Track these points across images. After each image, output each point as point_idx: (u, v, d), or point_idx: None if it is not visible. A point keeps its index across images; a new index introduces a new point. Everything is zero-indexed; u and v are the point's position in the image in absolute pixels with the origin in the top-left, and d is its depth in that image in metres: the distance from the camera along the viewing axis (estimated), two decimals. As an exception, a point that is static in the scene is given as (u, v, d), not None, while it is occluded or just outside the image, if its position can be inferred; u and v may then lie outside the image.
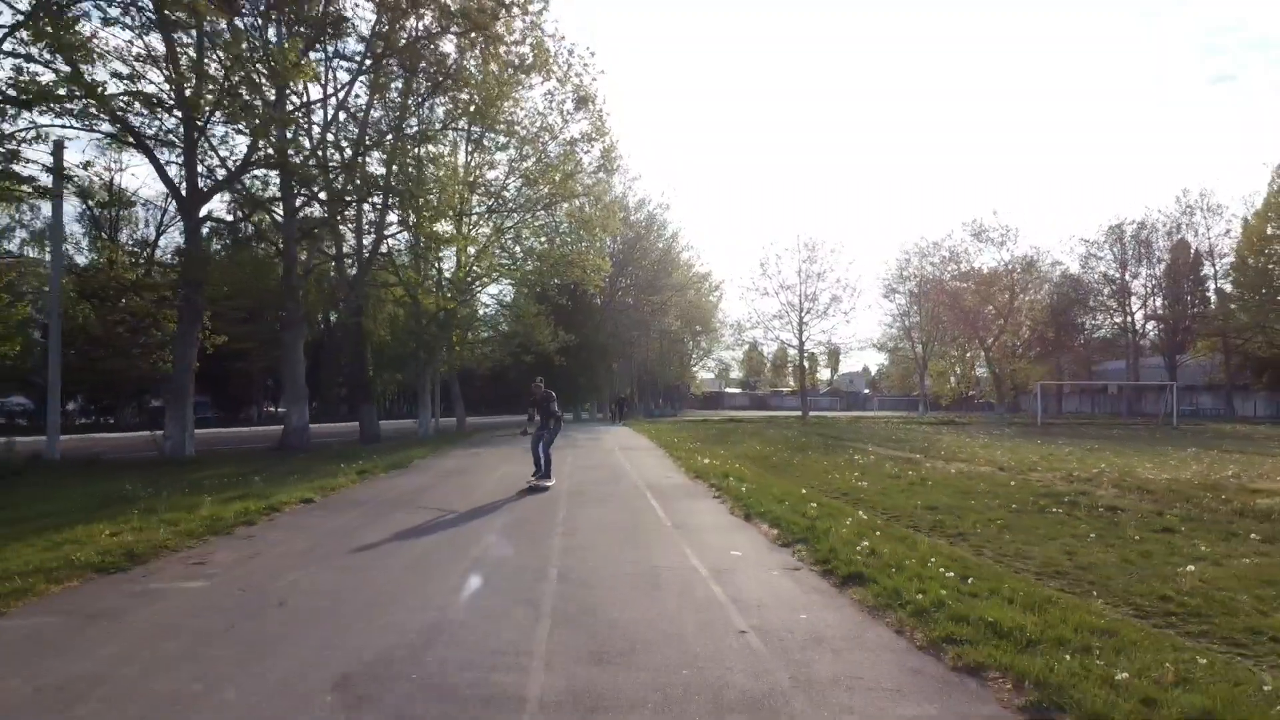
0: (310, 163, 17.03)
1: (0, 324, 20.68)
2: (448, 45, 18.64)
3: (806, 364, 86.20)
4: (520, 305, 31.75)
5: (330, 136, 21.25)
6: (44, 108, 14.15)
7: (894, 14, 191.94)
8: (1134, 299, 72.73)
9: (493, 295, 37.64)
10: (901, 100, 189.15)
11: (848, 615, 5.38)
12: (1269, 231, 51.69)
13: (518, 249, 32.11)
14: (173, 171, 18.43)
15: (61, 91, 14.50)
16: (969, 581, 5.84)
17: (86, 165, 20.16)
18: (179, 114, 16.25)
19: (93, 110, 15.36)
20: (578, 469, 15.53)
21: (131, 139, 16.64)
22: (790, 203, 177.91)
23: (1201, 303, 70.78)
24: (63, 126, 15.62)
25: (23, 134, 15.22)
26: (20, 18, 14.50)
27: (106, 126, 16.37)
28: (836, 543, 7.34)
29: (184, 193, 17.87)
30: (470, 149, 30.39)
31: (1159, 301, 70.92)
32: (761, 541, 8.12)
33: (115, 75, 16.03)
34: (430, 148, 23.43)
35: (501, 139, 28.56)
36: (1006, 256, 64.01)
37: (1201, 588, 5.95)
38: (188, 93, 16.39)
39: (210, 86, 16.49)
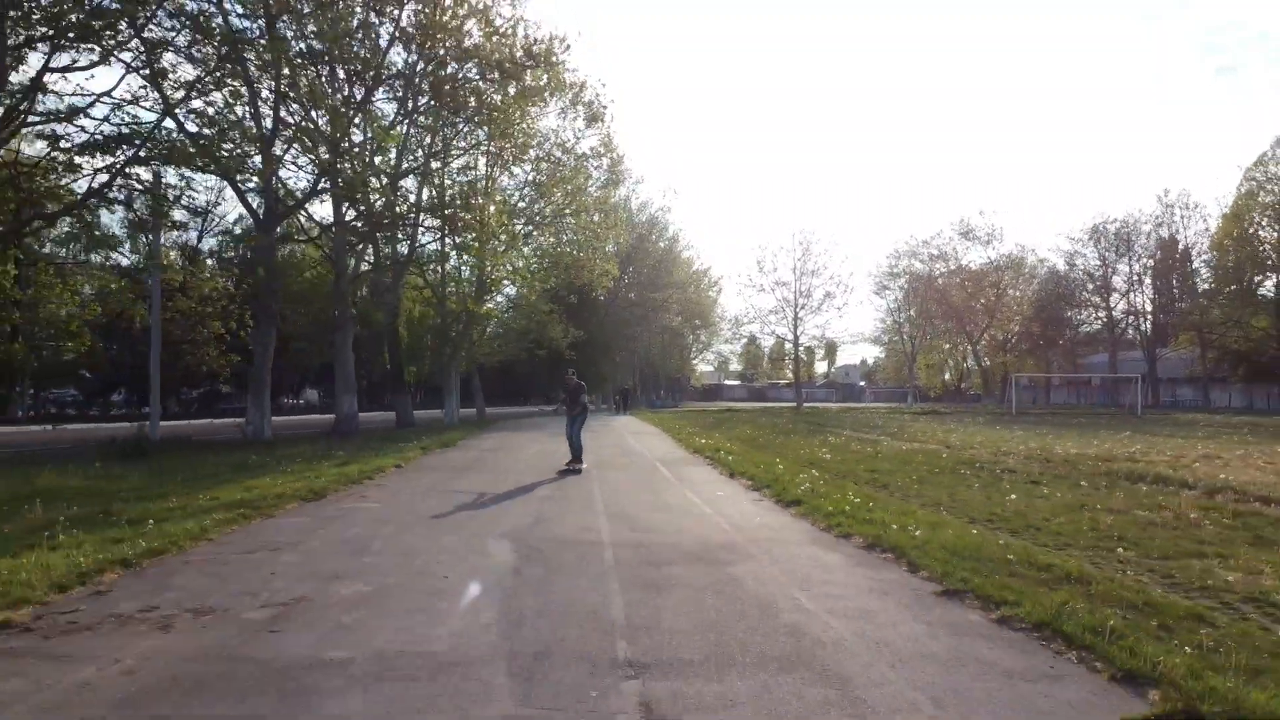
0: (369, 189, 20.18)
1: (72, 321, 24.02)
2: (480, 83, 21.74)
3: (803, 357, 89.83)
4: (534, 304, 35.00)
5: (378, 161, 24.48)
6: (150, 150, 17.33)
7: (896, 13, 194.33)
8: (1115, 295, 76.07)
9: (508, 295, 40.86)
10: (903, 99, 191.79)
11: (784, 518, 8.72)
12: (1236, 233, 54.85)
13: (532, 254, 35.37)
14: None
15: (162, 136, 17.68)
16: (870, 506, 9.12)
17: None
18: (261, 153, 19.42)
19: (189, 151, 18.56)
20: (597, 448, 18.83)
21: (220, 172, 19.89)
22: (787, 197, 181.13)
23: (1187, 298, 73.93)
24: (165, 164, 18.84)
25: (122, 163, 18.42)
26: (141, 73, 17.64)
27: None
28: (789, 487, 10.65)
29: (261, 215, 21.18)
30: (489, 162, 33.63)
31: (1141, 297, 74.18)
32: (739, 488, 11.44)
33: (198, 116, 19.25)
34: (471, 171, 26.65)
35: (519, 152, 31.79)
36: (993, 254, 67.44)
37: (1015, 509, 9.24)
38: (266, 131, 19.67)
39: (285, 131, 19.78)
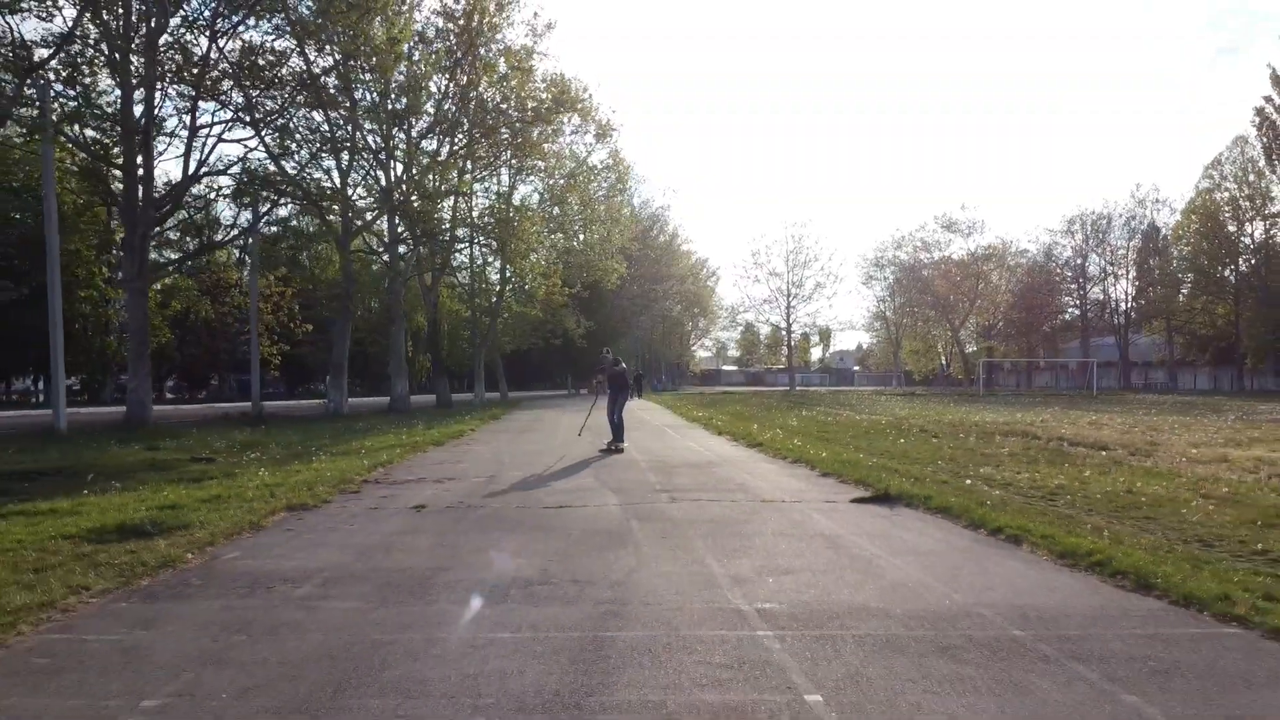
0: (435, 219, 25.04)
1: (154, 318, 28.78)
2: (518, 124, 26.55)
3: (799, 342, 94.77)
4: (552, 298, 39.78)
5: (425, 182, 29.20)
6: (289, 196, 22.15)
7: (898, 5, 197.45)
8: (1091, 283, 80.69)
9: (527, 290, 45.74)
10: (898, 86, 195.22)
11: (747, 452, 13.57)
12: (1194, 227, 59.45)
13: (551, 254, 40.10)
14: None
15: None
16: (805, 447, 13.88)
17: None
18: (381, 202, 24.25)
19: (287, 189, 23.25)
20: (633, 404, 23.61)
21: (308, 201, 24.60)
22: (782, 187, 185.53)
23: (1166, 286, 78.30)
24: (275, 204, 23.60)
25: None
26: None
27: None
28: (757, 437, 15.45)
29: (340, 232, 25.94)
30: (511, 175, 38.27)
31: (1114, 286, 78.74)
32: (722, 440, 16.25)
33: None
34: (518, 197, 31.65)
35: (538, 164, 36.46)
36: (974, 246, 71.97)
37: (900, 450, 14.01)
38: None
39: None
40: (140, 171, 18.21)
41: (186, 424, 22.04)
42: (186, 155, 19.54)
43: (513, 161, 34.51)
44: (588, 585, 5.03)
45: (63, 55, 16.19)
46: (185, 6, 18.29)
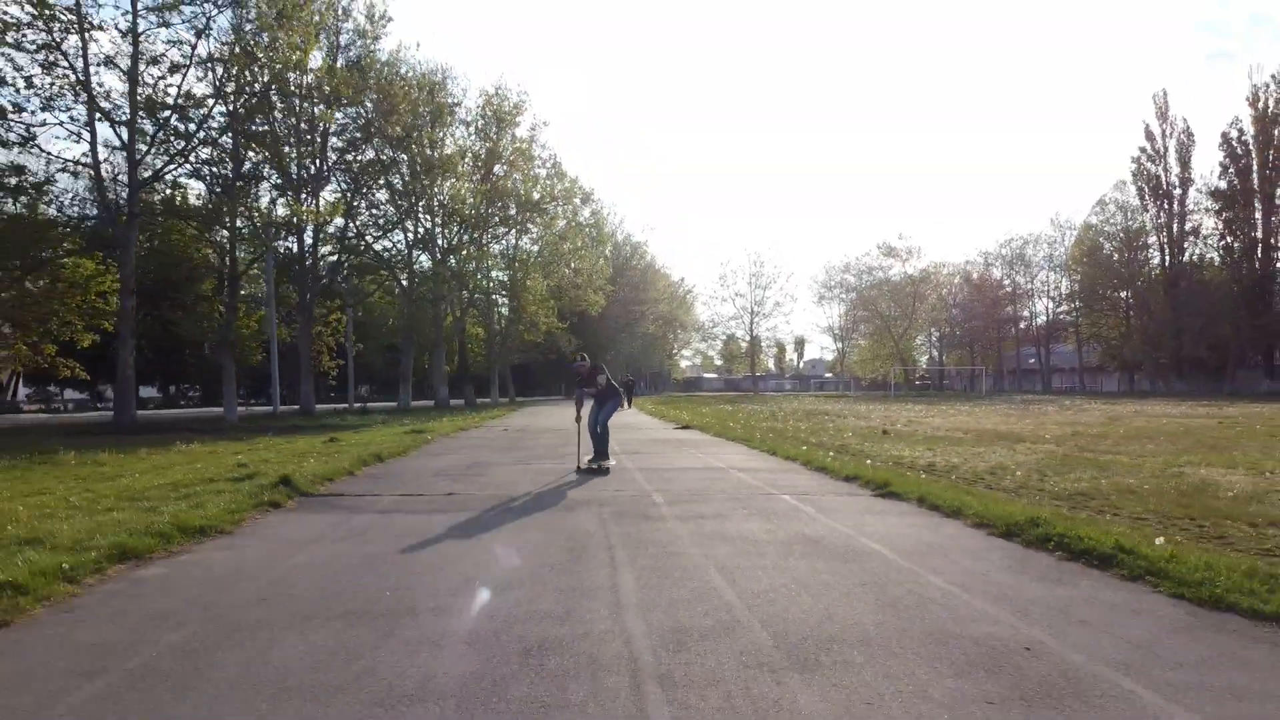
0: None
1: (255, 341, 38.15)
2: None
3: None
4: (549, 323, 49.83)
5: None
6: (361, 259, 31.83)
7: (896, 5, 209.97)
8: (1019, 301, 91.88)
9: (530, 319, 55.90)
10: (904, 93, 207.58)
11: (696, 434, 23.63)
12: (1084, 257, 70.73)
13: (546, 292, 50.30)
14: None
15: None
16: (729, 426, 23.87)
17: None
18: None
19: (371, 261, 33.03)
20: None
21: (388, 269, 34.36)
22: (749, 206, 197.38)
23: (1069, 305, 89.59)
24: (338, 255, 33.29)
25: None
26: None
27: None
28: (708, 424, 25.49)
29: (405, 286, 35.71)
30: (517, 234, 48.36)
31: (1034, 304, 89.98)
32: (697, 432, 26.26)
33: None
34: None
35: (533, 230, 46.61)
36: (910, 270, 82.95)
37: (770, 427, 24.08)
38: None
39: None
40: (309, 260, 28.02)
41: (320, 414, 31.76)
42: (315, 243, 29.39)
43: (520, 226, 44.64)
44: (535, 454, 14.92)
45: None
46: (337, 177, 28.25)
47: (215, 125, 22.53)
